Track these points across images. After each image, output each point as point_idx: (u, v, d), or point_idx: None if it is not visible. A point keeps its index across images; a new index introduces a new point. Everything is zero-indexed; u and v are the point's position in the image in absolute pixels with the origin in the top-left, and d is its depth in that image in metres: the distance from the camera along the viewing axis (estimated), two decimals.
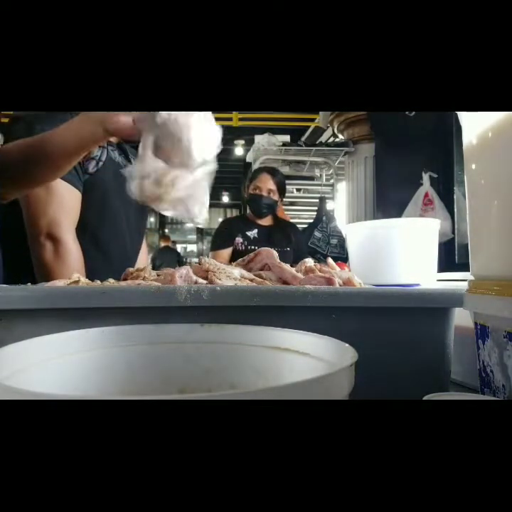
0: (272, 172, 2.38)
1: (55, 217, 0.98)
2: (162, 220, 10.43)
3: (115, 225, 1.12)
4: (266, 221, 2.36)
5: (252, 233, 2.33)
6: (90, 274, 0.78)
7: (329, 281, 0.58)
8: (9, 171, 0.81)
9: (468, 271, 0.50)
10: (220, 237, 2.40)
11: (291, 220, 3.03)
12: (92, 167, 1.05)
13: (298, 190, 4.25)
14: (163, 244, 7.36)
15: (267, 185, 2.30)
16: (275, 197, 2.33)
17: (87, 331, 0.38)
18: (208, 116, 0.65)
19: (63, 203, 0.98)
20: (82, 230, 1.04)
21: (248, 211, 2.43)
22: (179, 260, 6.71)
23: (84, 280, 0.59)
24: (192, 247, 10.51)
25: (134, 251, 1.21)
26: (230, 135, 5.69)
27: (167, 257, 6.44)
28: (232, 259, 2.05)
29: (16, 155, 0.79)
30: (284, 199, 2.68)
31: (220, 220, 3.97)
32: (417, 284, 0.80)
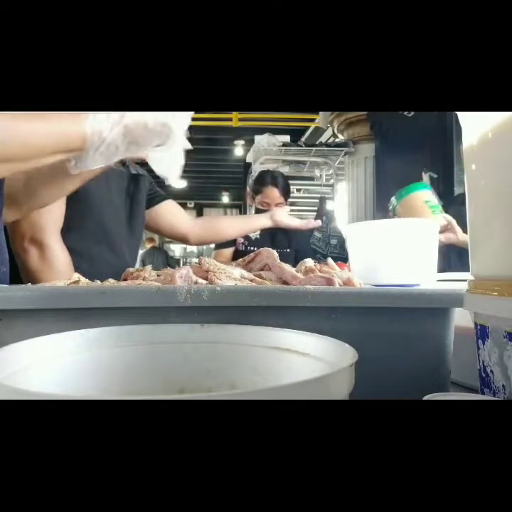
0: (276, 183, 2.31)
1: (37, 222, 0.95)
2: None
3: (102, 226, 1.09)
4: None
5: (254, 234, 2.33)
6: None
7: (329, 282, 0.58)
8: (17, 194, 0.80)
9: (468, 271, 0.50)
10: None
11: None
12: None
13: (298, 190, 4.24)
14: (148, 245, 7.34)
15: (275, 200, 2.27)
16: (283, 207, 2.32)
17: (87, 331, 0.38)
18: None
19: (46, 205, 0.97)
20: (67, 232, 1.01)
21: (248, 213, 2.43)
22: (168, 258, 6.73)
23: (84, 280, 0.59)
24: (192, 248, 10.49)
25: (126, 253, 1.18)
26: (230, 135, 5.69)
27: (155, 258, 6.46)
28: (234, 259, 2.04)
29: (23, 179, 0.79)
30: None
31: None
32: (417, 284, 0.80)
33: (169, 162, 0.65)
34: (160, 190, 1.31)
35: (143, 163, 0.68)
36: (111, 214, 1.12)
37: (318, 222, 1.43)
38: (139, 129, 0.61)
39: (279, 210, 1.42)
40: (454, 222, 1.39)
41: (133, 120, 0.60)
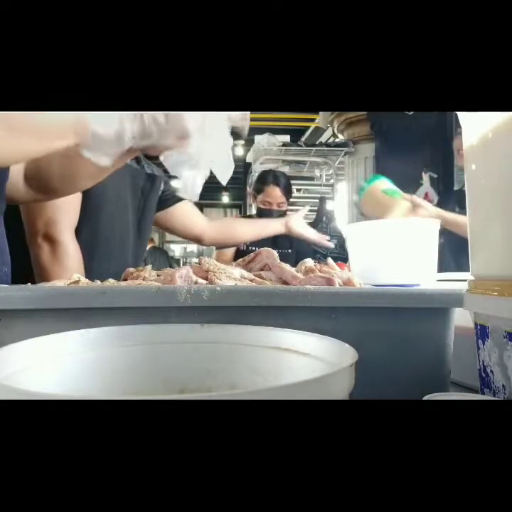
0: (278, 182, 2.30)
1: (52, 217, 0.96)
2: None
3: (112, 226, 1.10)
4: None
5: None
6: (87, 275, 0.77)
7: (329, 282, 0.58)
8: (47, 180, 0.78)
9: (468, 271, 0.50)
10: None
11: None
12: None
13: (298, 190, 4.25)
14: (149, 245, 7.33)
15: (277, 199, 2.26)
16: (285, 206, 2.31)
17: (87, 331, 0.38)
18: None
19: (61, 202, 0.95)
20: (80, 230, 1.02)
21: (248, 213, 2.42)
22: (168, 258, 6.74)
23: (84, 280, 0.59)
24: (192, 248, 10.47)
25: (133, 253, 1.18)
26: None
27: (156, 258, 6.46)
28: (236, 258, 2.04)
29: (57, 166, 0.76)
30: None
31: None
32: (417, 284, 0.80)
33: (179, 163, 0.63)
34: (175, 190, 1.30)
35: (159, 164, 0.66)
36: (122, 213, 1.12)
37: (332, 245, 1.42)
38: (150, 121, 0.58)
39: (295, 217, 1.41)
40: (417, 199, 1.33)
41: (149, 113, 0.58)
